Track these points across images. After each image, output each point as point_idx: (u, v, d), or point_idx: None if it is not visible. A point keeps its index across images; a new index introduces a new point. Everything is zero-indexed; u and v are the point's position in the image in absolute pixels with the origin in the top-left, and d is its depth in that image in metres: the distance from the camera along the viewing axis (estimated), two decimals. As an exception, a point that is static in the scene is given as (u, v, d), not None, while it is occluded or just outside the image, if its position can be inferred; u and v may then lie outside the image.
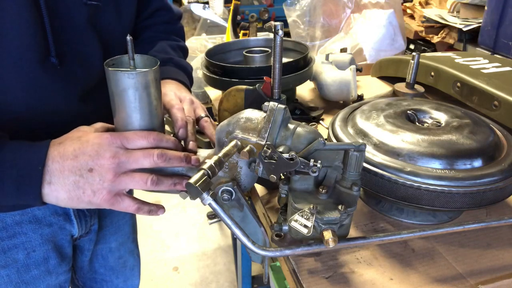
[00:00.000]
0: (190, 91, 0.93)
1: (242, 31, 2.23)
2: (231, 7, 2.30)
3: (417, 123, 0.84)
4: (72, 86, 0.72)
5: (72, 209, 0.84)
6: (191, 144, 0.72)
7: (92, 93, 0.76)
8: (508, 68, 1.17)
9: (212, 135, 0.76)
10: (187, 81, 0.93)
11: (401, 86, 1.15)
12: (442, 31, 2.32)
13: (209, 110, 1.52)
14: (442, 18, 2.30)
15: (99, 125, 0.68)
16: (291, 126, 0.63)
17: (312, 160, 0.58)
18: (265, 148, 0.58)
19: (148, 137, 0.63)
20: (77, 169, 0.59)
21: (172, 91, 0.82)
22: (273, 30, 0.67)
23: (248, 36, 2.19)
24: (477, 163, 0.72)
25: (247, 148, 0.61)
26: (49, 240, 0.81)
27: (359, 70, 1.29)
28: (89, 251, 0.97)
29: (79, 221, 0.86)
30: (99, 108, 0.75)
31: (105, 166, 0.59)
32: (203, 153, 0.71)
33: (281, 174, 0.61)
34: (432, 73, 1.20)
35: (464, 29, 2.13)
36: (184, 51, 1.03)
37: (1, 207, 0.70)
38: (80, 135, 0.62)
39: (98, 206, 0.62)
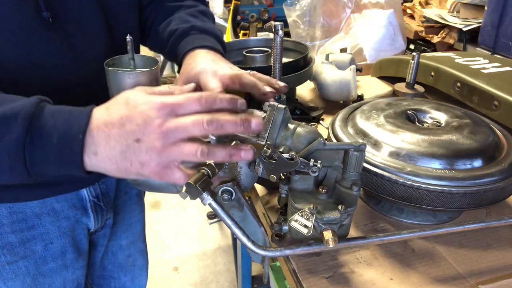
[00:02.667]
0: (224, 57, 0.79)
1: (242, 31, 2.23)
2: (231, 7, 2.30)
3: (417, 123, 0.84)
4: (66, 47, 0.69)
5: (89, 203, 0.83)
6: (281, 84, 0.68)
7: (89, 59, 0.72)
8: (508, 68, 1.17)
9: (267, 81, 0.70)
10: (217, 45, 0.80)
11: (401, 86, 1.15)
12: (442, 31, 2.32)
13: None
14: (442, 18, 2.30)
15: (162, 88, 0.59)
16: (291, 126, 0.63)
17: (312, 160, 0.58)
18: (265, 148, 0.58)
19: (200, 99, 0.54)
20: (124, 139, 0.52)
21: (207, 70, 0.70)
22: (273, 30, 0.67)
23: (248, 36, 2.19)
24: (477, 163, 0.72)
25: (247, 148, 0.61)
26: (66, 233, 0.81)
27: (359, 70, 1.29)
28: (103, 247, 0.97)
29: (96, 214, 0.86)
30: (98, 72, 0.69)
31: (152, 136, 0.52)
32: (258, 113, 0.66)
33: (281, 174, 0.61)
34: (432, 73, 1.20)
35: (464, 29, 2.13)
36: (208, 15, 0.89)
37: (50, 177, 0.61)
38: (128, 97, 0.55)
39: (148, 177, 0.56)
